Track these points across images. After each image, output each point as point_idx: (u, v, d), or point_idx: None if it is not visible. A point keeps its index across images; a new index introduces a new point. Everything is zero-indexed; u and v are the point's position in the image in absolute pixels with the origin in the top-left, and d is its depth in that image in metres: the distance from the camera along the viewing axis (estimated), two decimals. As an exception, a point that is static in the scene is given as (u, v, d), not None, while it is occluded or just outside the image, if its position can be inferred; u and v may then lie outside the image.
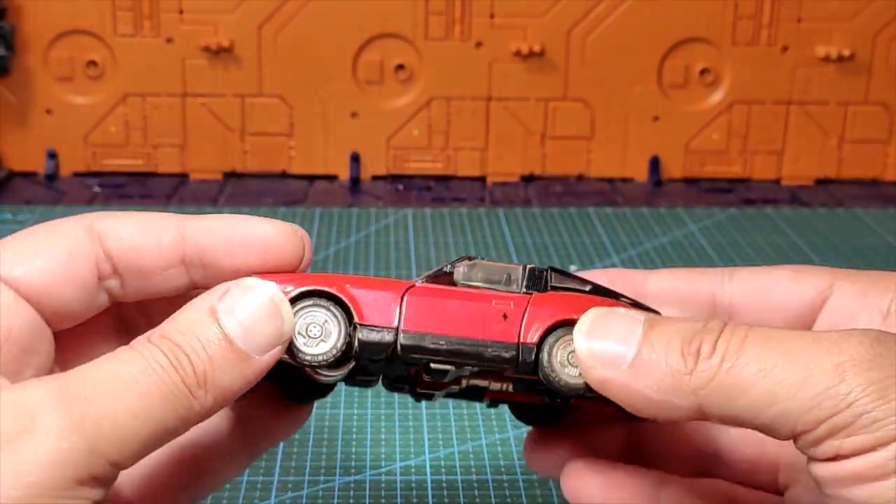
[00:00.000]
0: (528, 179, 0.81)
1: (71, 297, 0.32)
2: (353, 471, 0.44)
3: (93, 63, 0.78)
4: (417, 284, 0.31)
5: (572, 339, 0.30)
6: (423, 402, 0.48)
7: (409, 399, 0.49)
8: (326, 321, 0.30)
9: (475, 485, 0.43)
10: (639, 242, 0.69)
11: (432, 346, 0.30)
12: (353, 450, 0.45)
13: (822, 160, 0.82)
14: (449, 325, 0.30)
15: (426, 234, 0.70)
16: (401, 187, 0.80)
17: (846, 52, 0.78)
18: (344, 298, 0.30)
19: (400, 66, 0.79)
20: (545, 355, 0.30)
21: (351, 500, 0.42)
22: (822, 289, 0.34)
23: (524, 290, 0.31)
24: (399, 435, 0.46)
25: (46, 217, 0.74)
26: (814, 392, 0.27)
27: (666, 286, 0.36)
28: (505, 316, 0.31)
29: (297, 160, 0.81)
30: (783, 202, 0.78)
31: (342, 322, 0.30)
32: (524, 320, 0.30)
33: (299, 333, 0.30)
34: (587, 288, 0.32)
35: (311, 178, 0.81)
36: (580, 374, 0.30)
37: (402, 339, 0.30)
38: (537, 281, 0.31)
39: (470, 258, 0.32)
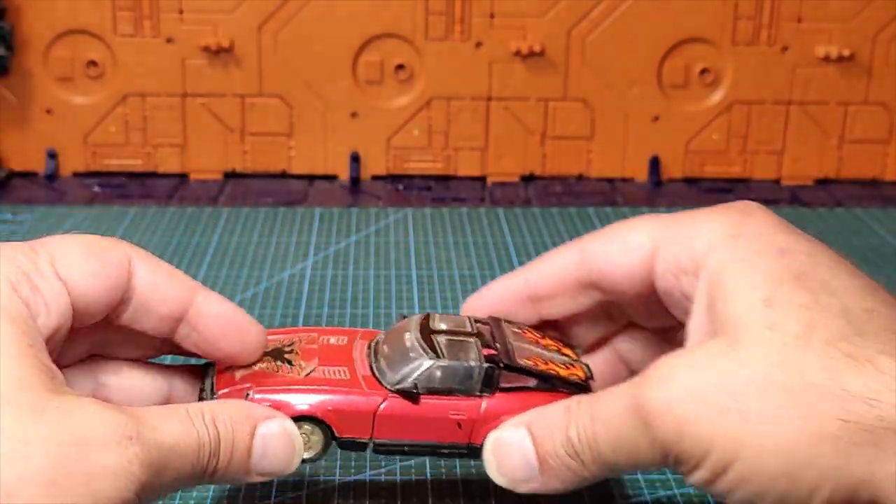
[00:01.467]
0: (528, 179, 0.81)
1: (97, 310, 0.36)
2: (352, 471, 0.44)
3: (93, 63, 0.78)
4: (388, 397, 0.38)
5: None
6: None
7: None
8: (313, 433, 0.37)
9: (475, 485, 0.43)
10: (639, 242, 0.69)
11: (400, 447, 0.38)
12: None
13: (822, 160, 0.82)
14: (413, 433, 0.38)
15: (426, 234, 0.70)
16: (401, 187, 0.80)
17: (846, 52, 0.78)
18: (326, 422, 0.37)
19: (400, 66, 0.79)
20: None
21: (351, 500, 0.42)
22: (648, 257, 0.39)
23: (478, 391, 0.38)
24: None
25: (46, 217, 0.75)
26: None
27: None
28: (459, 425, 0.38)
29: (297, 160, 0.81)
30: (783, 202, 0.78)
31: (326, 436, 0.38)
32: (473, 427, 0.38)
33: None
34: (532, 384, 0.38)
35: (311, 178, 0.81)
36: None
37: (374, 442, 0.38)
38: (489, 381, 0.38)
39: (425, 318, 0.40)
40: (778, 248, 0.35)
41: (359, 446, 0.38)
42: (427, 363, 0.38)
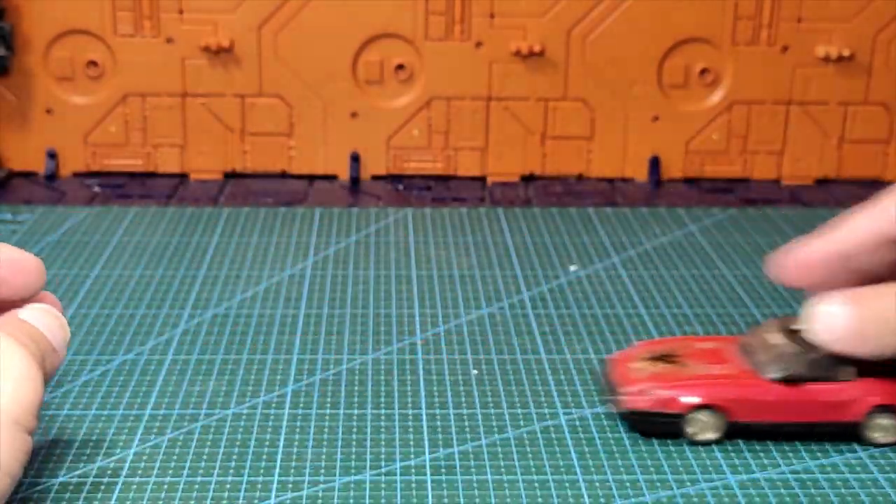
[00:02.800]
0: (528, 179, 0.81)
1: None
2: (353, 471, 0.44)
3: (93, 63, 0.78)
4: (772, 386, 0.46)
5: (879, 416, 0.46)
6: (423, 403, 0.48)
7: (409, 399, 0.49)
8: (716, 420, 0.46)
9: (475, 485, 0.43)
10: (639, 242, 0.69)
11: (786, 427, 0.46)
12: (353, 450, 0.45)
13: (822, 160, 0.82)
14: (794, 415, 0.46)
15: (426, 234, 0.70)
16: (401, 187, 0.80)
17: (846, 52, 0.78)
18: (723, 408, 0.46)
19: (400, 66, 0.79)
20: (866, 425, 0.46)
21: (351, 500, 0.42)
22: None
23: (842, 377, 0.45)
24: (399, 435, 0.46)
25: (46, 217, 0.75)
26: None
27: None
28: (833, 406, 0.45)
29: (297, 160, 0.81)
30: (783, 202, 0.78)
31: (724, 421, 0.46)
32: (844, 408, 0.46)
33: (693, 426, 0.46)
34: (889, 367, 0.45)
35: (311, 178, 0.81)
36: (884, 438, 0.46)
37: (769, 426, 0.46)
38: (851, 368, 0.45)
39: (779, 321, 0.48)
40: None
41: (753, 429, 0.46)
42: (798, 356, 0.45)
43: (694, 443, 0.46)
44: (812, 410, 0.45)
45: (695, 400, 0.45)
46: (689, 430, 0.46)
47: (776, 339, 0.47)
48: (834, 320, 0.44)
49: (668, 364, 0.47)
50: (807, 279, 0.46)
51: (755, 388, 0.45)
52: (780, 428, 0.46)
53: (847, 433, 0.46)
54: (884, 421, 0.45)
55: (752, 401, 0.45)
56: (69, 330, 0.44)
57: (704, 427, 0.46)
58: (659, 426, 0.46)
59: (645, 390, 0.46)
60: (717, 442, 0.46)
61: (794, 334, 0.46)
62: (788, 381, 0.45)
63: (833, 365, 0.45)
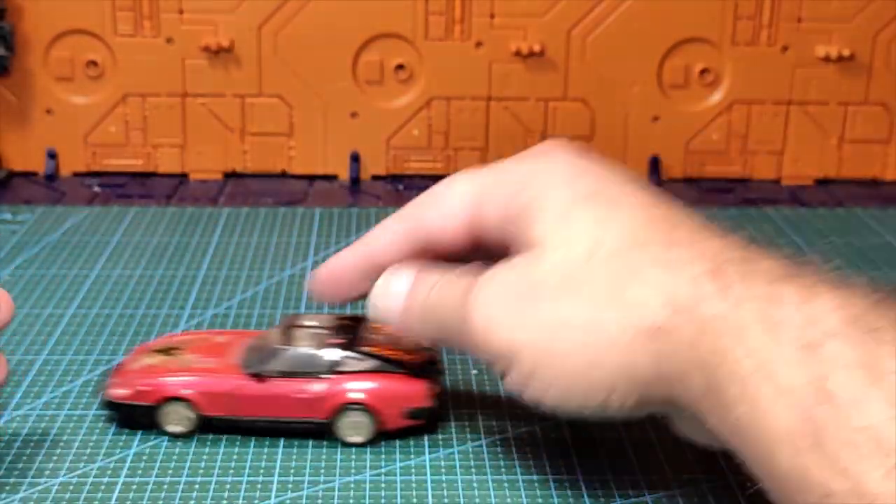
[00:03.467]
0: (528, 179, 0.81)
1: None
2: (352, 471, 0.44)
3: (93, 63, 0.78)
4: (244, 380, 0.45)
5: (350, 414, 0.45)
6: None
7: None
8: (187, 413, 0.45)
9: (475, 485, 0.43)
10: (639, 242, 0.69)
11: (258, 423, 0.45)
12: (353, 450, 0.45)
13: (822, 160, 0.82)
14: (267, 410, 0.45)
15: (426, 234, 0.70)
16: (401, 187, 0.80)
17: (846, 52, 0.78)
18: (194, 402, 0.45)
19: (400, 66, 0.79)
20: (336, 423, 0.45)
21: (351, 500, 0.42)
22: (469, 220, 0.42)
23: (324, 373, 0.45)
24: (399, 435, 0.46)
25: (46, 217, 0.75)
26: None
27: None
28: (305, 402, 0.45)
29: (297, 160, 0.81)
30: (783, 202, 0.78)
31: (195, 414, 0.45)
32: (319, 405, 0.45)
33: (167, 416, 0.45)
34: (370, 366, 0.45)
35: (311, 178, 0.81)
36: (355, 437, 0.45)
37: (235, 421, 0.45)
38: (333, 366, 0.45)
39: (294, 317, 0.47)
40: (572, 174, 0.40)
41: (223, 424, 0.45)
42: (278, 350, 0.45)
43: (166, 434, 0.45)
44: (282, 407, 0.45)
45: (167, 392, 0.45)
46: (162, 421, 0.45)
47: (273, 334, 0.46)
48: (394, 288, 0.43)
49: (167, 356, 0.47)
50: (340, 292, 0.46)
51: (225, 382, 0.45)
52: (252, 424, 0.45)
53: (319, 431, 0.45)
54: (355, 419, 0.45)
55: (220, 394, 0.45)
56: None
57: (177, 419, 0.45)
58: (136, 417, 0.45)
59: (126, 382, 0.46)
60: (189, 435, 0.45)
61: (292, 329, 0.46)
62: (258, 375, 0.45)
63: (309, 361, 0.45)
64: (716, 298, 0.34)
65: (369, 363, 0.45)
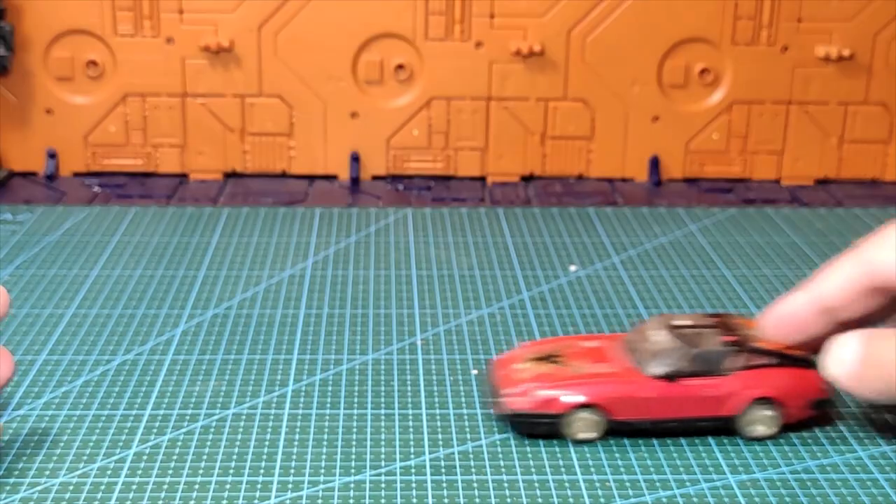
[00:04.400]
0: (528, 179, 0.81)
1: None
2: (352, 471, 0.44)
3: (93, 63, 0.78)
4: (651, 383, 0.45)
5: (759, 409, 0.45)
6: (423, 403, 0.48)
7: (409, 399, 0.49)
8: (597, 420, 0.46)
9: (475, 485, 0.43)
10: (639, 242, 0.69)
11: (668, 424, 0.46)
12: (353, 450, 0.45)
13: (822, 160, 0.82)
14: (676, 411, 0.46)
15: (426, 234, 0.70)
16: (401, 187, 0.80)
17: (846, 52, 0.78)
18: (604, 408, 0.45)
19: (400, 66, 0.79)
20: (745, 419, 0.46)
21: (351, 500, 0.42)
22: None
23: (724, 370, 0.45)
24: (399, 435, 0.46)
25: (46, 217, 0.75)
26: None
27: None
28: (713, 401, 0.45)
29: (297, 160, 0.81)
30: (783, 202, 0.78)
31: (604, 420, 0.46)
32: (725, 402, 0.45)
33: (577, 425, 0.46)
34: (773, 361, 0.46)
35: (311, 178, 0.81)
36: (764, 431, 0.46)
37: (649, 423, 0.46)
38: (732, 362, 0.45)
39: (663, 318, 0.47)
40: None
41: (634, 428, 0.45)
42: (680, 352, 0.45)
43: (575, 441, 0.45)
44: (692, 406, 0.45)
45: (576, 399, 0.45)
46: (571, 429, 0.45)
47: (659, 335, 0.46)
48: (846, 354, 0.43)
49: (552, 364, 0.47)
50: (793, 334, 0.46)
51: (636, 385, 0.45)
52: (660, 425, 0.46)
53: (728, 427, 0.46)
54: (764, 413, 0.45)
55: (632, 399, 0.45)
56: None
57: (586, 426, 0.45)
58: (541, 427, 0.45)
59: (527, 391, 0.46)
60: (600, 440, 0.45)
61: (676, 330, 0.46)
62: (669, 377, 0.45)
63: (714, 359, 0.45)
64: None
65: (772, 359, 0.46)
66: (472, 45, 0.78)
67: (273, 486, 0.43)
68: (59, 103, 0.79)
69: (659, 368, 0.45)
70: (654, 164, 0.81)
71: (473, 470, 0.44)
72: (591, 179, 0.81)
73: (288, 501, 0.42)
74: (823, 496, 0.42)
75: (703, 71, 0.80)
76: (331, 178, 0.81)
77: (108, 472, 0.43)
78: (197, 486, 0.42)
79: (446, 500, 0.42)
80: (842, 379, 0.43)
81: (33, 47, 0.77)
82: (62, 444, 0.45)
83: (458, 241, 0.69)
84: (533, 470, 0.44)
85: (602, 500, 0.42)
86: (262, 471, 0.44)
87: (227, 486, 0.42)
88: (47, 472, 0.43)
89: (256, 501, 0.42)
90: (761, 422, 0.46)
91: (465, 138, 0.80)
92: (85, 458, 0.44)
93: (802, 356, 0.46)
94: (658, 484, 0.43)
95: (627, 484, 0.43)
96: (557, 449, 0.45)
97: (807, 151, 0.81)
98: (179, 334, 0.55)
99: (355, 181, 0.80)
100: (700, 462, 0.45)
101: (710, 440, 0.46)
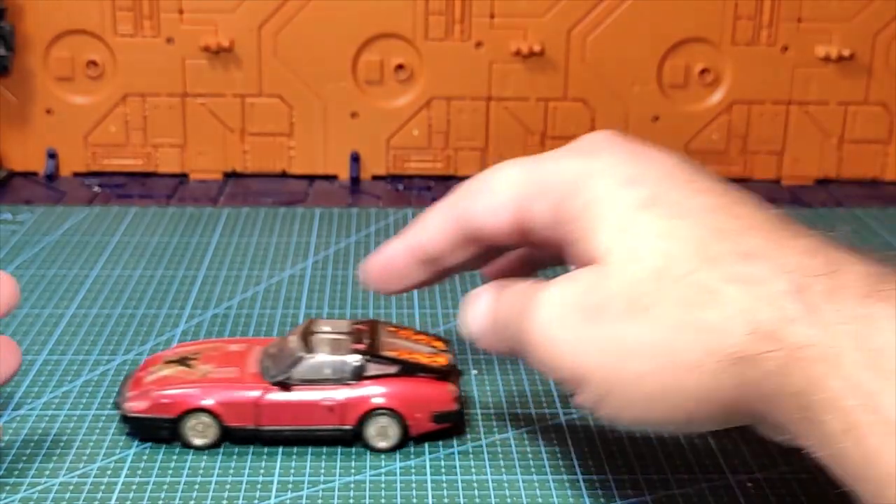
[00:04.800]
0: (528, 179, 0.81)
1: None
2: (352, 471, 0.44)
3: (93, 63, 0.78)
4: (268, 389, 0.44)
5: (377, 420, 0.44)
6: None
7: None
8: (210, 424, 0.44)
9: (475, 484, 0.43)
10: (639, 242, 0.69)
11: (282, 433, 0.44)
12: (353, 450, 0.45)
13: (822, 160, 0.82)
14: (292, 420, 0.44)
15: (426, 234, 0.70)
16: (401, 187, 0.80)
17: (846, 52, 0.78)
18: (216, 413, 0.44)
19: (400, 66, 0.79)
20: (363, 430, 0.45)
21: (351, 500, 0.42)
22: (518, 212, 0.40)
23: (348, 379, 0.44)
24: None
25: (46, 217, 0.75)
26: None
27: None
28: (331, 409, 0.44)
29: (297, 160, 0.81)
30: (783, 202, 0.78)
31: (217, 425, 0.44)
32: (344, 411, 0.44)
33: (190, 429, 0.44)
34: (394, 370, 0.45)
35: (311, 178, 0.81)
36: (382, 443, 0.45)
37: (259, 431, 0.44)
38: (358, 371, 0.44)
39: (309, 323, 0.46)
40: (628, 177, 0.37)
41: (247, 434, 0.44)
42: (302, 358, 0.44)
43: (189, 446, 0.44)
44: (308, 415, 0.44)
45: (190, 404, 0.44)
46: (185, 434, 0.44)
47: (291, 341, 0.45)
48: (477, 310, 0.42)
49: (182, 367, 0.46)
50: (393, 282, 0.45)
51: (249, 391, 0.44)
52: (277, 433, 0.44)
53: (346, 438, 0.45)
54: (380, 424, 0.44)
55: (245, 404, 0.44)
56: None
57: (200, 431, 0.44)
58: (156, 431, 0.44)
59: (145, 394, 0.45)
60: (214, 446, 0.44)
61: (312, 335, 0.45)
62: (283, 384, 0.44)
63: (336, 368, 0.44)
64: (803, 322, 0.32)
65: (393, 368, 0.45)
66: (472, 45, 0.78)
67: (273, 486, 0.43)
68: (59, 103, 0.79)
69: (274, 374, 0.44)
70: (654, 164, 0.81)
71: (473, 470, 0.44)
72: (591, 179, 0.81)
73: (288, 501, 0.42)
74: (823, 496, 0.42)
75: (703, 71, 0.80)
76: (331, 178, 0.81)
77: (108, 472, 0.43)
78: (197, 486, 0.42)
79: (446, 500, 0.42)
80: (476, 338, 0.42)
81: (33, 47, 0.77)
82: (62, 444, 0.45)
83: (458, 241, 0.69)
84: (533, 470, 0.44)
85: (602, 499, 0.42)
86: (262, 471, 0.44)
87: (227, 486, 0.42)
88: (47, 472, 0.43)
89: (256, 501, 0.42)
90: (381, 433, 0.44)
91: (465, 138, 0.80)
92: (85, 458, 0.44)
93: (433, 366, 0.45)
94: (658, 484, 0.43)
95: (627, 484, 0.43)
96: (557, 449, 0.45)
97: (807, 151, 0.81)
98: (179, 334, 0.55)
99: (355, 181, 0.80)
100: (700, 462, 0.45)
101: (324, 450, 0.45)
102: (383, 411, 0.44)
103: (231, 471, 0.43)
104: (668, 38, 0.79)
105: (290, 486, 0.43)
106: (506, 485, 0.43)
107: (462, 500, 0.42)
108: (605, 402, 0.35)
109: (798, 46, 0.79)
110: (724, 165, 0.81)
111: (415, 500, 0.42)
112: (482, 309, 0.41)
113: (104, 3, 0.77)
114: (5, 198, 0.76)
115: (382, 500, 0.42)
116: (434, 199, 0.79)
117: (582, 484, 0.43)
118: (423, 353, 0.46)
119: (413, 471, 0.44)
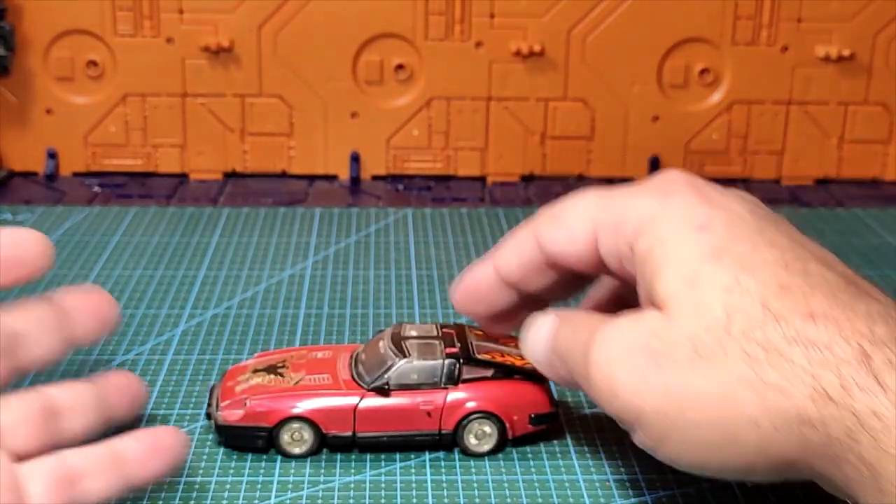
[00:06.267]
0: (528, 179, 0.81)
1: None
2: (352, 471, 0.44)
3: (93, 63, 0.78)
4: (365, 395, 0.44)
5: (475, 423, 0.44)
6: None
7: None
8: (304, 431, 0.44)
9: (475, 485, 0.43)
10: (639, 242, 0.69)
11: (381, 439, 0.44)
12: (353, 450, 0.45)
13: (822, 160, 0.82)
14: (389, 424, 0.44)
15: (426, 234, 0.70)
16: (401, 187, 0.80)
17: (846, 52, 0.78)
18: (314, 421, 0.44)
19: (400, 66, 0.79)
20: (461, 434, 0.44)
21: (351, 500, 0.42)
22: (592, 243, 0.40)
23: (443, 384, 0.44)
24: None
25: (46, 217, 0.75)
26: None
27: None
28: (429, 414, 0.44)
29: (297, 160, 0.81)
30: (783, 202, 0.78)
31: (315, 434, 0.44)
32: (441, 416, 0.44)
33: (287, 437, 0.44)
34: (489, 373, 0.44)
35: (311, 178, 0.81)
36: (482, 446, 0.45)
37: (357, 437, 0.44)
38: (451, 375, 0.44)
39: (397, 327, 0.46)
40: (698, 223, 0.37)
41: (345, 441, 0.44)
42: (397, 363, 0.44)
43: (289, 456, 0.44)
44: (407, 420, 0.44)
45: (288, 412, 0.44)
46: (282, 443, 0.44)
47: (380, 346, 0.45)
48: (537, 336, 0.42)
49: (273, 376, 0.45)
50: (479, 306, 0.45)
51: (347, 398, 0.44)
52: (375, 439, 0.44)
53: (446, 442, 0.44)
54: (479, 428, 0.44)
55: (343, 411, 0.44)
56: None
57: (297, 440, 0.44)
58: (252, 440, 0.44)
59: (239, 403, 0.44)
60: (313, 454, 0.44)
61: (403, 341, 0.45)
62: (381, 390, 0.44)
63: (431, 372, 0.44)
64: (868, 391, 0.32)
65: (488, 371, 0.44)
66: (472, 45, 0.78)
67: (273, 486, 0.43)
68: (59, 103, 0.79)
69: (371, 381, 0.44)
70: (655, 164, 0.81)
71: (473, 470, 0.44)
72: (592, 179, 0.81)
73: (288, 501, 0.42)
74: (823, 497, 0.42)
75: (703, 71, 0.80)
76: (331, 177, 0.81)
77: (108, 472, 0.43)
78: (197, 486, 0.42)
79: (446, 500, 0.42)
80: (535, 362, 0.42)
81: (33, 47, 0.77)
82: (62, 444, 0.45)
83: (458, 241, 0.69)
84: (533, 470, 0.44)
85: (602, 499, 0.42)
86: (262, 471, 0.44)
87: (227, 487, 0.42)
88: (47, 472, 0.43)
89: (256, 501, 0.42)
90: (480, 437, 0.44)
91: (464, 138, 0.80)
92: (85, 458, 0.44)
93: (527, 368, 0.44)
94: (658, 483, 0.43)
95: (627, 484, 0.43)
96: (557, 449, 0.45)
97: (807, 151, 0.81)
98: (179, 334, 0.55)
99: (355, 181, 0.80)
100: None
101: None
102: (482, 415, 0.44)
103: (231, 470, 0.43)
104: (668, 38, 0.79)
105: (290, 486, 0.43)
106: (506, 485, 0.43)
107: (462, 501, 0.42)
108: (664, 444, 0.36)
109: (798, 46, 0.79)
110: (724, 165, 0.81)
111: (415, 500, 0.42)
112: (543, 335, 0.41)
113: (104, 3, 0.77)
114: (5, 198, 0.76)
115: (382, 500, 0.42)
116: (434, 199, 0.79)
117: (582, 484, 0.43)
118: (514, 355, 0.45)
119: (413, 471, 0.44)
